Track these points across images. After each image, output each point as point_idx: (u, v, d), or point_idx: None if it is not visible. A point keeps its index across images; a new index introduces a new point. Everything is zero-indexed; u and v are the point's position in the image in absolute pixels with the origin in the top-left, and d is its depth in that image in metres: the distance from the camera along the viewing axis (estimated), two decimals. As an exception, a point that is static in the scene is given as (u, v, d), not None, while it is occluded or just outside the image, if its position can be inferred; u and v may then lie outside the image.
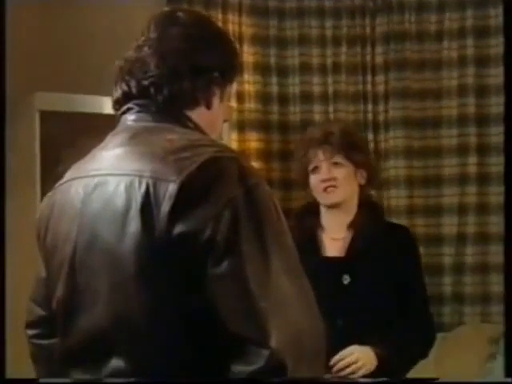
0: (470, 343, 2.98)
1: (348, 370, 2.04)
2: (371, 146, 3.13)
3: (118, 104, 1.36)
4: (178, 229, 1.15)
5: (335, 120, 3.16)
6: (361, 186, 2.26)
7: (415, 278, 2.24)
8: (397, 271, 2.17)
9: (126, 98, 1.34)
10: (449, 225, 3.17)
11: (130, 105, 1.33)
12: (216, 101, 1.36)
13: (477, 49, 3.17)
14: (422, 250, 2.55)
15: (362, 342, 2.08)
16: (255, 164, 3.17)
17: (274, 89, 3.30)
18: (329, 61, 3.28)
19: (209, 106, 1.35)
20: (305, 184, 2.27)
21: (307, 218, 2.27)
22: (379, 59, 3.27)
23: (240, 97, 3.22)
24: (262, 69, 3.28)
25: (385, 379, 2.05)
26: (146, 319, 1.18)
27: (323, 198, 2.22)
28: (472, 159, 3.18)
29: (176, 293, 1.17)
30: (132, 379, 1.19)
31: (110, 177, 1.25)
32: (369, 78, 3.29)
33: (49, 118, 2.69)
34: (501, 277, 3.09)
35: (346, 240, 2.20)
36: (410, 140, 3.24)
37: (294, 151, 2.73)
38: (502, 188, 3.12)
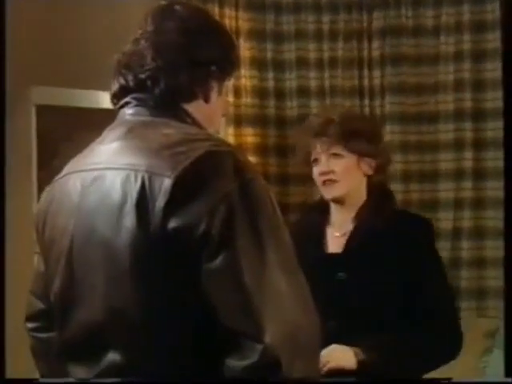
0: (466, 337, 2.99)
1: (324, 369, 1.86)
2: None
3: (115, 98, 1.37)
4: (173, 223, 1.15)
5: (338, 106, 3.04)
6: (369, 176, 2.08)
7: (428, 276, 1.99)
8: (404, 268, 1.97)
9: (124, 91, 1.34)
10: (445, 219, 3.17)
11: (127, 99, 1.34)
12: (214, 94, 1.37)
13: (473, 43, 3.17)
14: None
15: (353, 343, 1.91)
16: (252, 159, 3.17)
17: (271, 83, 3.29)
18: (325, 55, 3.28)
19: (207, 100, 1.35)
20: (308, 177, 2.13)
21: (316, 213, 2.13)
22: (376, 54, 3.26)
23: (236, 91, 3.21)
24: (259, 63, 3.27)
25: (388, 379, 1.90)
26: (141, 313, 1.18)
27: (324, 192, 2.08)
28: (468, 154, 3.19)
29: (171, 287, 1.17)
30: (131, 379, 1.19)
31: (107, 171, 1.25)
32: (365, 72, 3.28)
33: (45, 112, 2.69)
34: (497, 271, 3.10)
35: (348, 235, 2.05)
36: (407, 135, 3.24)
37: (293, 143, 2.65)
38: (499, 183, 3.14)
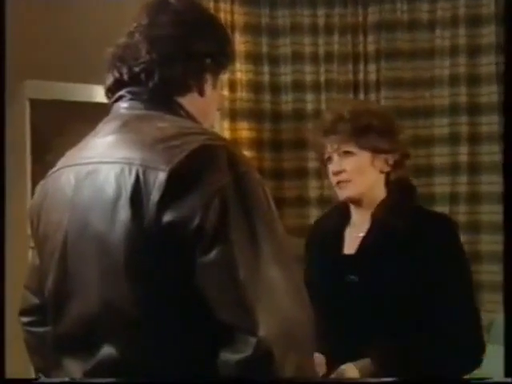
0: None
1: None
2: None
3: (110, 92, 1.36)
4: (168, 217, 1.15)
5: (349, 100, 2.95)
6: (387, 173, 1.93)
7: (448, 280, 1.81)
8: (423, 273, 1.80)
9: (118, 85, 1.33)
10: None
11: (122, 92, 1.33)
12: (208, 88, 1.36)
13: (469, 38, 3.17)
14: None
15: (361, 350, 1.77)
16: (247, 153, 3.17)
17: (266, 78, 3.29)
18: (321, 50, 3.28)
19: (201, 93, 1.35)
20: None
21: (337, 213, 2.01)
22: (371, 48, 3.27)
23: (232, 86, 3.21)
24: (254, 58, 3.27)
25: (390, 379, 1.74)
26: (136, 307, 1.18)
27: (337, 193, 1.94)
28: (463, 148, 3.19)
29: (165, 281, 1.17)
30: (131, 379, 1.19)
31: (101, 165, 1.25)
32: (361, 67, 3.28)
33: (39, 106, 2.68)
34: (492, 266, 3.11)
35: (363, 236, 1.91)
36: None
37: (307, 141, 2.57)
38: (494, 177, 3.14)
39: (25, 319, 1.49)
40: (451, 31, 3.20)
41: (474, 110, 3.18)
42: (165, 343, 1.18)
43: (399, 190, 1.94)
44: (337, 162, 1.91)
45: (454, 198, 3.20)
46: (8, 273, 2.16)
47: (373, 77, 3.27)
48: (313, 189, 3.27)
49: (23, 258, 2.23)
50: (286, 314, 1.14)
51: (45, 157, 2.42)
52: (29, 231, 1.43)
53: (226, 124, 3.19)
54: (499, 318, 2.94)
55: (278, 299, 1.14)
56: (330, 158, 1.93)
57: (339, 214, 1.98)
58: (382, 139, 1.90)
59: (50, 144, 2.56)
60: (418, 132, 3.24)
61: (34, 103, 2.67)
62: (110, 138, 1.28)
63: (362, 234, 1.91)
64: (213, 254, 1.13)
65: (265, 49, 3.29)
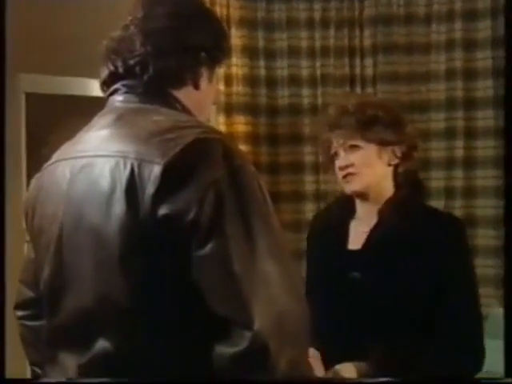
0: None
1: None
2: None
3: (105, 85, 1.36)
4: (163, 210, 1.15)
5: (354, 93, 2.91)
6: (395, 166, 1.89)
7: (453, 280, 1.78)
8: (427, 273, 1.77)
9: (113, 78, 1.33)
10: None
11: (116, 86, 1.33)
12: (204, 81, 1.36)
13: (465, 32, 3.17)
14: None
15: (360, 350, 1.75)
16: (243, 147, 3.17)
17: (262, 72, 3.29)
18: (317, 44, 3.28)
19: (196, 87, 1.35)
20: (332, 170, 1.94)
21: (341, 207, 1.97)
22: (367, 42, 3.26)
23: (228, 80, 3.21)
24: (250, 52, 3.27)
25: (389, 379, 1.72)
26: (131, 300, 1.18)
27: (344, 187, 1.90)
28: (459, 143, 3.19)
29: (160, 274, 1.17)
30: (130, 379, 1.19)
31: (96, 158, 1.25)
32: (357, 61, 3.28)
33: (35, 100, 2.67)
34: (487, 260, 3.12)
35: (368, 231, 1.87)
36: (398, 124, 3.24)
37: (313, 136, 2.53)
38: (490, 172, 3.15)
39: (20, 313, 1.49)
40: (447, 25, 3.20)
41: (469, 104, 3.18)
42: (160, 336, 1.19)
43: (407, 185, 1.90)
44: (343, 157, 1.87)
45: (449, 193, 3.21)
46: (9, 270, 2.15)
47: (369, 71, 3.27)
48: (309, 183, 3.28)
49: (20, 253, 2.23)
50: (281, 308, 1.14)
51: (40, 151, 2.42)
52: (24, 225, 1.43)
53: (222, 118, 3.19)
54: (494, 312, 2.95)
55: (273, 293, 1.14)
56: (336, 154, 1.90)
57: (343, 208, 1.95)
58: (388, 131, 1.86)
59: (45, 138, 2.55)
60: (414, 126, 3.24)
61: (30, 97, 2.66)
62: (105, 132, 1.28)
63: (367, 230, 1.87)
64: (208, 248, 1.13)
65: (261, 43, 3.29)
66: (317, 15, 3.28)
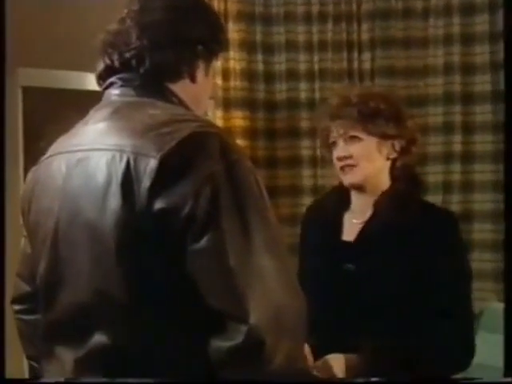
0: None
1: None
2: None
3: (101, 79, 1.36)
4: (159, 204, 1.15)
5: (356, 85, 2.90)
6: (393, 160, 1.89)
7: (445, 274, 1.78)
8: (421, 266, 1.77)
9: (109, 71, 1.33)
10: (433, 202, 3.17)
11: (113, 79, 1.33)
12: (200, 75, 1.36)
13: (463, 27, 3.17)
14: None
15: (352, 342, 1.74)
16: (240, 142, 3.16)
17: (260, 66, 3.28)
18: (315, 38, 3.27)
19: (193, 80, 1.34)
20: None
21: (335, 198, 1.96)
22: (365, 36, 3.26)
23: (225, 74, 3.20)
24: (248, 46, 3.26)
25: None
26: (127, 294, 1.18)
27: (342, 178, 1.89)
28: (457, 137, 3.19)
29: (156, 268, 1.17)
30: (130, 379, 1.19)
31: (92, 152, 1.25)
32: (355, 55, 3.28)
33: (32, 93, 2.67)
34: (483, 254, 3.12)
35: (363, 223, 1.87)
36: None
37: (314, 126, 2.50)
38: (487, 167, 3.15)
39: (17, 307, 1.49)
40: (445, 20, 3.20)
41: (467, 98, 3.18)
42: (156, 330, 1.19)
43: (404, 179, 1.90)
44: (343, 147, 1.86)
45: (447, 187, 3.21)
46: (9, 268, 2.15)
47: (367, 65, 3.26)
48: (306, 178, 3.28)
49: (16, 245, 2.22)
50: (277, 302, 1.14)
51: (37, 144, 2.41)
52: (21, 219, 1.43)
53: (220, 113, 3.18)
54: (491, 306, 2.95)
55: (269, 287, 1.14)
56: (334, 143, 1.89)
57: (338, 199, 1.94)
58: (390, 124, 1.86)
59: (42, 132, 2.55)
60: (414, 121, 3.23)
61: (27, 91, 2.66)
62: (102, 125, 1.27)
63: (362, 222, 1.87)
64: (203, 242, 1.13)
65: (259, 37, 3.28)
66: (314, 9, 3.27)
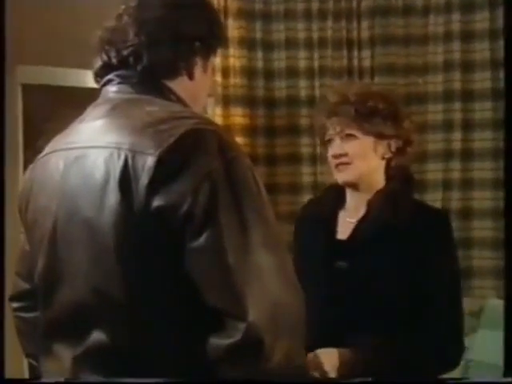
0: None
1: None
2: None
3: (98, 76, 1.35)
4: (157, 202, 1.14)
5: (355, 83, 2.91)
6: (388, 159, 1.89)
7: (435, 273, 1.79)
8: (412, 265, 1.78)
9: (107, 68, 1.32)
10: (433, 200, 3.17)
11: (110, 76, 1.32)
12: (198, 71, 1.35)
13: (463, 24, 3.17)
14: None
15: (348, 339, 1.76)
16: (240, 139, 3.16)
17: (260, 63, 3.28)
18: (315, 35, 3.27)
19: (191, 77, 1.34)
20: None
21: (330, 196, 1.96)
22: (365, 34, 3.25)
23: (225, 71, 3.20)
24: (248, 43, 3.26)
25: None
26: (125, 292, 1.18)
27: (336, 176, 1.89)
28: (457, 135, 3.19)
29: (155, 266, 1.17)
30: (121, 366, 1.19)
31: (90, 149, 1.24)
32: (355, 53, 3.27)
33: (31, 91, 2.67)
34: (483, 251, 3.12)
35: (356, 222, 1.88)
36: (395, 115, 3.23)
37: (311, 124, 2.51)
38: (486, 164, 3.15)
39: (15, 305, 1.49)
40: (445, 17, 3.19)
41: (467, 96, 3.17)
42: (154, 329, 1.18)
43: (398, 179, 1.90)
44: (338, 145, 1.86)
45: (447, 185, 3.21)
46: (9, 267, 2.14)
47: (367, 63, 3.26)
48: (306, 175, 3.27)
49: (15, 244, 2.22)
50: (275, 300, 1.14)
51: (37, 142, 2.41)
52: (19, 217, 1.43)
53: (219, 110, 3.18)
54: (491, 304, 2.96)
55: (267, 284, 1.14)
56: (330, 141, 1.89)
57: (333, 198, 1.95)
58: (387, 124, 1.85)
59: (42, 129, 2.55)
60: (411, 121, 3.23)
61: (27, 88, 2.66)
62: (99, 123, 1.27)
63: (355, 220, 1.88)
64: (202, 239, 1.13)
65: (258, 34, 3.28)
66: (314, 6, 3.27)
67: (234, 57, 3.22)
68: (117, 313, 1.19)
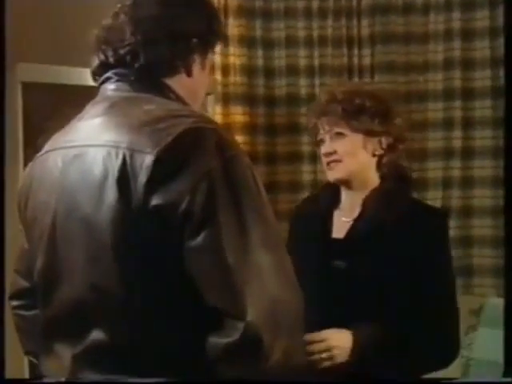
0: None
1: (323, 356, 1.72)
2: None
3: (96, 74, 1.35)
4: (155, 201, 1.14)
5: (348, 82, 2.94)
6: (380, 156, 1.90)
7: (432, 272, 1.81)
8: (409, 263, 1.79)
9: (104, 67, 1.32)
10: (433, 198, 3.18)
11: (108, 74, 1.32)
12: (196, 68, 1.34)
13: (463, 22, 3.16)
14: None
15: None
16: (240, 138, 3.16)
17: (260, 62, 3.27)
18: (315, 33, 3.26)
19: (189, 74, 1.33)
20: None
21: (325, 196, 1.97)
22: (365, 32, 3.25)
23: (225, 70, 3.19)
24: (248, 41, 3.25)
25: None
26: (123, 291, 1.18)
27: (327, 174, 1.91)
28: (457, 133, 3.19)
29: (153, 265, 1.17)
30: (129, 379, 1.19)
31: (88, 148, 1.24)
32: (355, 51, 3.27)
33: (31, 89, 2.67)
34: (483, 250, 3.12)
35: (352, 221, 1.89)
36: (396, 114, 3.23)
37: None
38: (487, 162, 3.15)
39: (15, 303, 1.49)
40: (445, 15, 3.19)
41: (467, 94, 3.17)
42: (153, 327, 1.18)
43: (394, 176, 1.91)
44: (328, 144, 1.89)
45: (447, 183, 3.21)
46: (9, 266, 2.14)
47: (367, 61, 3.26)
48: (306, 173, 3.27)
49: (15, 241, 2.22)
50: (274, 299, 1.14)
51: (37, 140, 2.41)
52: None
53: (219, 108, 3.17)
54: (491, 302, 2.96)
55: (266, 283, 1.14)
56: (322, 140, 1.92)
57: (328, 196, 1.96)
58: (375, 121, 1.87)
59: (42, 127, 2.54)
60: (411, 116, 3.23)
61: (27, 86, 2.66)
62: (98, 121, 1.27)
63: (351, 219, 1.89)
64: (200, 238, 1.13)
65: (258, 32, 3.27)
66: (315, 4, 3.26)
67: (234, 55, 3.22)
68: (115, 311, 1.19)
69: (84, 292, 1.22)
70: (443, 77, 3.19)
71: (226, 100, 3.20)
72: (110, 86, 1.32)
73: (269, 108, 3.28)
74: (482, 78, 3.14)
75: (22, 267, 1.46)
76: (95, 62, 1.33)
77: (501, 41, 3.03)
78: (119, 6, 1.33)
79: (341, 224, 1.91)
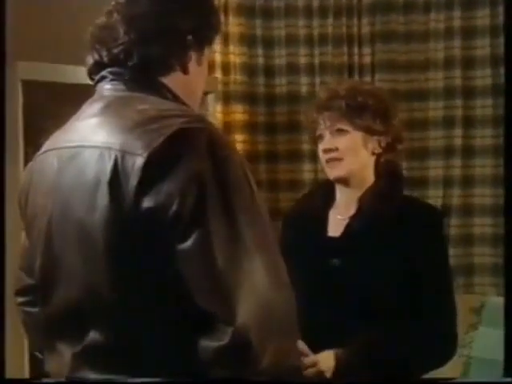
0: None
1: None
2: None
3: (92, 73, 1.34)
4: (146, 203, 1.13)
5: (349, 80, 2.96)
6: (377, 155, 1.90)
7: (427, 269, 1.81)
8: (405, 260, 1.79)
9: (99, 66, 1.31)
10: (434, 197, 3.18)
11: (103, 73, 1.31)
12: (193, 65, 1.32)
13: (464, 20, 3.16)
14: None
15: (341, 336, 1.77)
16: (240, 136, 3.16)
17: (260, 60, 3.27)
18: (315, 32, 3.26)
19: (185, 71, 1.31)
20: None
21: (320, 194, 1.96)
22: (366, 30, 3.25)
23: (225, 68, 3.19)
24: (248, 40, 3.25)
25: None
26: (115, 292, 1.17)
27: (326, 171, 1.90)
28: (458, 131, 3.19)
29: (144, 267, 1.16)
30: (129, 379, 1.19)
31: (82, 149, 1.24)
32: (355, 49, 3.27)
33: (32, 87, 2.66)
34: (483, 248, 3.12)
35: (348, 219, 1.88)
36: (396, 112, 3.22)
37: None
38: (487, 161, 3.15)
39: (20, 299, 1.49)
40: (446, 13, 3.19)
41: (468, 93, 3.17)
42: (145, 329, 1.18)
43: (389, 175, 1.91)
44: (329, 140, 1.87)
45: (447, 181, 3.20)
46: (9, 266, 2.14)
47: (367, 59, 3.25)
48: (307, 172, 3.27)
49: (16, 240, 2.22)
50: (264, 302, 1.13)
51: (38, 139, 2.41)
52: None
53: (220, 107, 3.17)
54: (491, 301, 2.96)
55: (256, 287, 1.12)
56: (321, 136, 1.90)
57: (323, 194, 1.96)
58: (376, 120, 1.87)
59: (43, 126, 2.54)
60: (412, 115, 3.23)
61: (27, 84, 2.66)
62: (93, 121, 1.26)
63: (347, 217, 1.88)
64: (190, 241, 1.11)
65: (259, 31, 3.27)
66: (315, 3, 3.26)
67: (235, 53, 3.21)
68: (108, 312, 1.19)
69: (80, 292, 1.22)
70: (444, 75, 3.19)
71: (227, 99, 3.20)
72: (106, 86, 1.30)
73: (269, 106, 3.28)
74: (483, 77, 3.13)
75: (25, 264, 1.45)
76: (90, 61, 1.32)
77: (501, 39, 3.03)
78: (113, 3, 1.31)
79: (336, 222, 1.90)
